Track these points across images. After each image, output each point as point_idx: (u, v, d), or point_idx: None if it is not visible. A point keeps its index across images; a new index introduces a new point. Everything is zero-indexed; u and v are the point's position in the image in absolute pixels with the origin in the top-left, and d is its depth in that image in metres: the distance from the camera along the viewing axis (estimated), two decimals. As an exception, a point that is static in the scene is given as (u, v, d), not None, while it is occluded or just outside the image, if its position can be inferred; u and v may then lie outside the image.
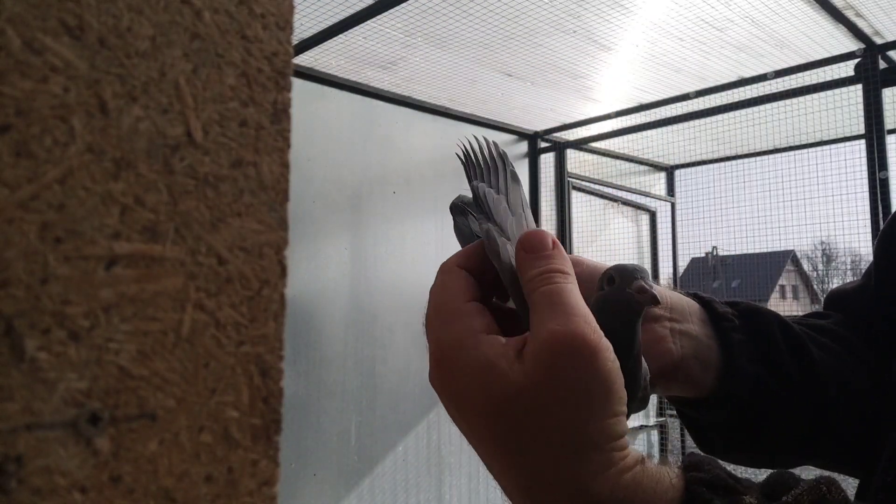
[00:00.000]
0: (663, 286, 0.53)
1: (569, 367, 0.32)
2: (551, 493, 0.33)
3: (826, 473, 0.37)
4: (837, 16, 1.98)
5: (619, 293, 0.39)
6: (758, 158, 3.28)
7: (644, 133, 3.02)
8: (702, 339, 0.49)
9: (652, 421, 3.50)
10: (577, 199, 3.26)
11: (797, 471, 0.39)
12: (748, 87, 2.49)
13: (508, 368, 0.33)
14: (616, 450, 0.34)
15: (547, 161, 3.18)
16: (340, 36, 2.01)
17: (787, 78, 2.39)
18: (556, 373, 0.32)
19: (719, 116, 2.68)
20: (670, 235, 3.60)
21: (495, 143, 0.48)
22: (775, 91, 2.45)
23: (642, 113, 2.81)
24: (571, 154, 3.21)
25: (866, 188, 2.15)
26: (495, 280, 0.39)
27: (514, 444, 0.34)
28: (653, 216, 3.60)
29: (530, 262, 0.37)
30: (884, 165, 2.12)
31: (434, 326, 0.37)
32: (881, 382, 0.52)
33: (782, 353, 0.50)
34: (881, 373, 0.52)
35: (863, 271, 0.62)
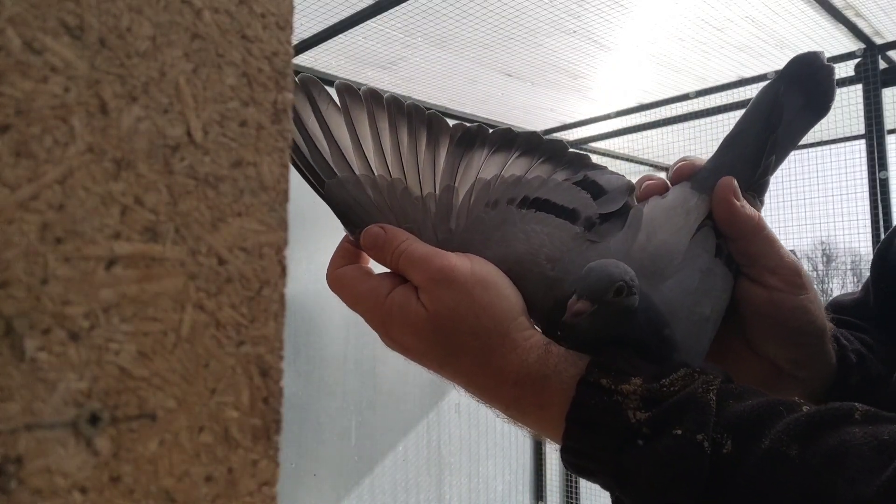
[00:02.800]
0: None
1: (445, 293, 0.43)
2: (482, 376, 0.43)
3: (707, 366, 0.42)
4: (837, 16, 1.97)
5: (564, 299, 0.42)
6: (758, 158, 3.28)
7: (644, 133, 3.02)
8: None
9: None
10: (577, 199, 3.26)
11: None
12: (748, 87, 2.49)
13: (415, 309, 0.44)
14: (516, 332, 0.43)
15: (547, 161, 3.18)
16: (340, 36, 2.01)
17: (787, 78, 2.39)
18: (441, 300, 0.43)
19: (719, 116, 2.67)
20: (670, 235, 3.59)
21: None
22: (775, 91, 2.45)
23: (642, 113, 2.81)
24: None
25: (866, 188, 2.15)
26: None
27: (443, 353, 0.44)
28: (653, 216, 3.59)
29: (379, 255, 0.46)
30: (884, 165, 2.12)
31: (362, 313, 0.47)
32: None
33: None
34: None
35: (862, 272, 0.63)
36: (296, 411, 2.14)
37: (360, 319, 0.48)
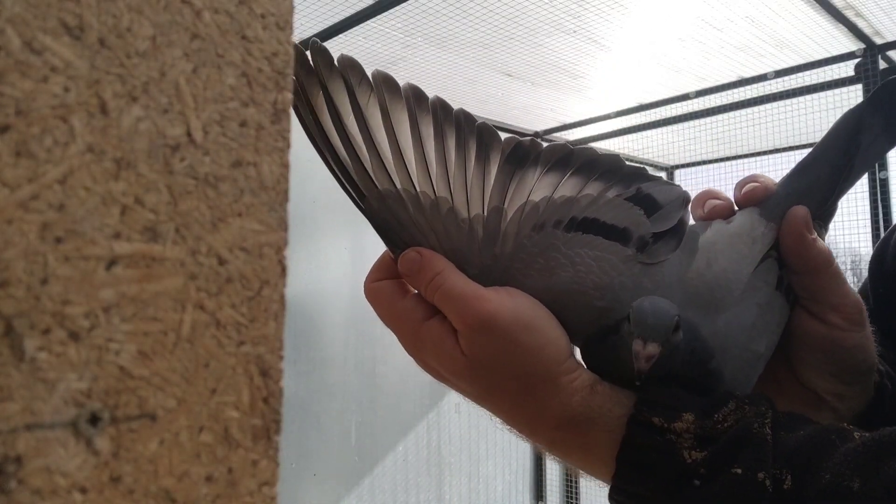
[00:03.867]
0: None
1: (485, 340, 0.40)
2: (522, 416, 0.42)
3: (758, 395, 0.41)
4: (837, 16, 1.97)
5: (622, 340, 0.40)
6: (758, 158, 3.28)
7: (644, 133, 3.02)
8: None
9: None
10: (577, 199, 3.26)
11: None
12: (748, 87, 2.49)
13: (452, 348, 0.42)
14: (561, 376, 0.41)
15: (547, 161, 3.18)
16: (340, 36, 2.01)
17: (787, 78, 2.39)
18: (481, 347, 0.41)
19: (719, 116, 2.67)
20: (670, 235, 3.59)
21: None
22: (775, 91, 2.45)
23: (642, 113, 2.81)
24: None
25: (866, 188, 2.15)
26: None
27: (482, 392, 0.42)
28: (653, 216, 3.60)
29: (414, 284, 0.44)
30: (884, 165, 2.12)
31: (394, 331, 0.46)
32: None
33: None
34: None
35: (862, 272, 0.63)
36: (296, 411, 2.14)
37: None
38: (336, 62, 0.42)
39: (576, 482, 2.97)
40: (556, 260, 0.42)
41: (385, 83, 0.43)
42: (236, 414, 0.21)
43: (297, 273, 2.15)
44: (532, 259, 0.43)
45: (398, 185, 0.42)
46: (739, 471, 0.36)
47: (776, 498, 0.35)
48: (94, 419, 0.18)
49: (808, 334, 0.46)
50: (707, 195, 0.52)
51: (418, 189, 0.42)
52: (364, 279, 0.47)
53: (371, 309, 0.48)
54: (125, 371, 0.19)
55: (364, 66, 0.44)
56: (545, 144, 0.45)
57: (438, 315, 0.43)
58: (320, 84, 0.41)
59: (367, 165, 0.41)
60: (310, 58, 0.41)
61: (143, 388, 0.19)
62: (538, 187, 0.44)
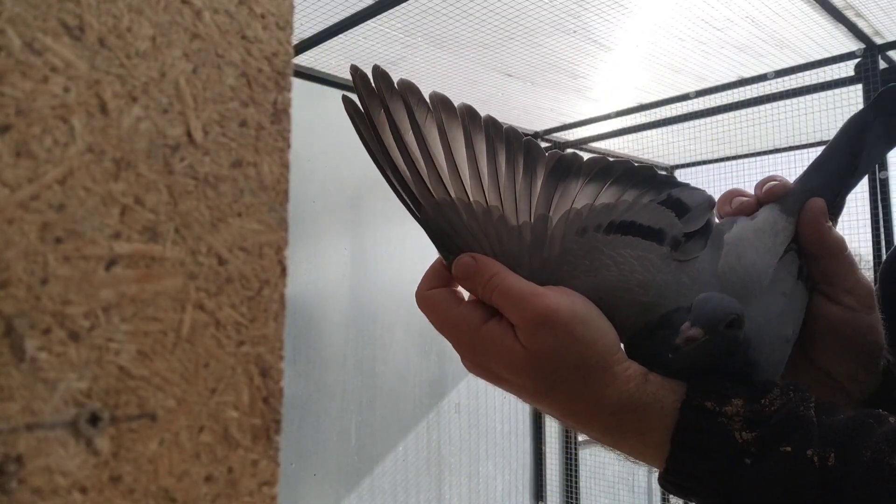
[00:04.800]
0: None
1: (546, 333, 0.42)
2: (580, 405, 0.43)
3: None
4: (837, 16, 1.97)
5: (674, 333, 0.43)
6: (758, 158, 3.28)
7: (644, 133, 3.02)
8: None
9: None
10: (577, 199, 3.25)
11: None
12: (748, 87, 2.49)
13: (512, 345, 0.43)
14: (616, 366, 0.43)
15: (547, 161, 3.18)
16: (340, 36, 2.01)
17: (787, 78, 2.39)
18: (542, 340, 0.43)
19: (719, 116, 2.67)
20: (670, 235, 3.60)
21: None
22: (775, 91, 2.45)
23: (642, 113, 2.81)
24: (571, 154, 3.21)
25: (866, 188, 2.15)
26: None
27: (541, 387, 0.44)
28: (653, 216, 3.60)
29: (470, 286, 0.46)
30: (884, 165, 2.11)
31: (450, 338, 0.47)
32: None
33: None
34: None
35: (862, 272, 0.64)
36: (296, 411, 2.14)
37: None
38: (396, 85, 0.46)
39: (576, 482, 2.97)
40: (601, 260, 0.46)
41: (442, 104, 0.46)
42: (236, 414, 0.21)
43: (297, 273, 2.15)
44: (578, 261, 0.46)
45: (452, 195, 0.45)
46: (789, 448, 0.38)
47: (822, 474, 0.38)
48: (94, 419, 0.18)
49: (826, 317, 0.50)
50: (734, 193, 0.56)
51: (471, 198, 0.45)
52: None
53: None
54: (125, 371, 0.19)
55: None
56: (586, 157, 0.49)
57: (495, 317, 0.45)
58: (382, 104, 0.46)
59: (425, 177, 0.45)
60: (372, 81, 0.46)
61: (143, 388, 0.19)
62: (580, 196, 0.47)
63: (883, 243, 2.06)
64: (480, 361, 0.46)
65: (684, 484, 0.41)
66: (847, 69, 2.25)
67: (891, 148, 0.54)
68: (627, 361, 0.44)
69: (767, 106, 2.55)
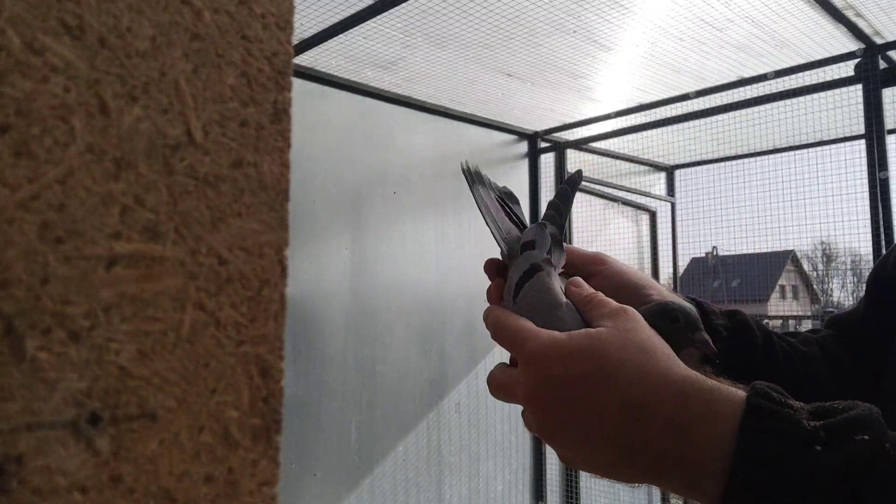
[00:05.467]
0: (664, 285, 0.62)
1: (614, 319, 0.48)
2: (646, 383, 0.44)
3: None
4: (837, 16, 1.98)
5: (681, 336, 0.49)
6: (758, 158, 3.28)
7: (644, 133, 3.02)
8: None
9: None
10: (577, 199, 3.25)
11: None
12: (748, 87, 2.49)
13: (579, 333, 0.48)
14: (672, 354, 0.45)
15: (547, 161, 3.18)
16: (340, 36, 2.01)
17: (787, 78, 2.39)
18: (612, 323, 0.48)
19: (719, 116, 2.68)
20: (670, 235, 3.60)
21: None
22: (775, 91, 2.45)
23: (642, 113, 2.81)
24: (571, 154, 3.21)
25: (866, 188, 2.15)
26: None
27: (614, 367, 0.45)
28: (653, 216, 3.60)
29: (577, 299, 0.52)
30: (884, 165, 2.12)
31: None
32: (846, 377, 0.61)
33: (759, 364, 0.61)
34: (859, 373, 0.61)
35: (862, 272, 0.66)
36: (296, 411, 2.14)
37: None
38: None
39: (576, 482, 2.98)
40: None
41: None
42: (236, 414, 0.21)
43: (297, 273, 2.16)
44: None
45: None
46: (867, 437, 0.38)
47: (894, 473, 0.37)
48: (94, 419, 0.18)
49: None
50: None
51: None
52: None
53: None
54: (125, 371, 0.19)
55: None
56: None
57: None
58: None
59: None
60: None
61: (143, 387, 0.19)
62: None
63: (883, 243, 2.06)
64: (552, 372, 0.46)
65: (755, 472, 0.40)
66: (847, 69, 2.25)
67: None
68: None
69: (767, 106, 2.55)
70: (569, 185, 0.59)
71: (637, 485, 0.46)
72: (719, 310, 0.62)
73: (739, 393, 0.42)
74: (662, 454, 0.42)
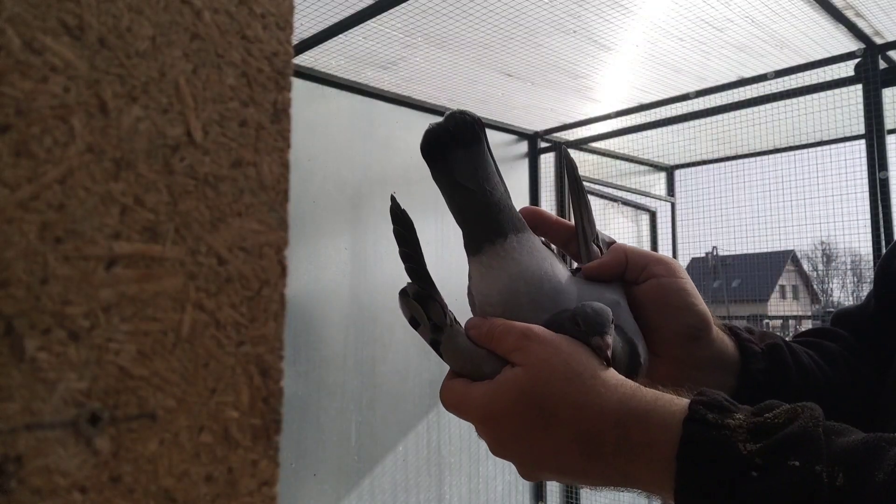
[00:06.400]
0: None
1: (536, 347, 0.47)
2: (587, 425, 0.44)
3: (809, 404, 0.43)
4: (837, 16, 1.97)
5: (583, 340, 0.48)
6: (758, 158, 3.28)
7: (644, 133, 3.02)
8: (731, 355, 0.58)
9: None
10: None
11: None
12: (748, 87, 2.49)
13: (508, 374, 0.47)
14: (603, 372, 0.45)
15: (547, 161, 3.18)
16: (340, 36, 2.01)
17: (787, 78, 2.39)
18: (534, 353, 0.46)
19: (719, 116, 2.67)
20: (670, 235, 3.60)
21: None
22: (775, 91, 2.45)
23: (642, 113, 2.81)
24: (571, 154, 3.22)
25: (866, 188, 2.15)
26: None
27: (543, 416, 0.45)
28: (653, 216, 3.60)
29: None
30: (884, 165, 2.11)
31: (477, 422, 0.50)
32: (866, 386, 0.59)
33: (792, 373, 0.59)
34: (875, 376, 0.59)
35: (862, 272, 0.66)
36: (296, 411, 2.14)
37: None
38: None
39: (576, 482, 2.97)
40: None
41: None
42: (236, 414, 0.21)
43: (297, 273, 2.15)
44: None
45: None
46: (797, 463, 0.38)
47: (831, 493, 0.37)
48: (94, 419, 0.18)
49: (640, 289, 0.56)
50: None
51: None
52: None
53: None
54: (125, 371, 0.19)
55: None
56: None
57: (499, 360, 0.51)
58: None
59: None
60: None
61: (143, 388, 0.19)
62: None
63: (883, 243, 2.06)
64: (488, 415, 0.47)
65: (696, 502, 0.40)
66: (847, 69, 2.25)
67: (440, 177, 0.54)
68: (612, 370, 0.46)
69: (767, 106, 2.55)
70: (396, 223, 0.53)
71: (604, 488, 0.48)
72: (760, 346, 0.59)
73: (677, 415, 0.42)
74: (619, 474, 0.44)
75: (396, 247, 0.54)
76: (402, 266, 0.54)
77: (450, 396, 0.50)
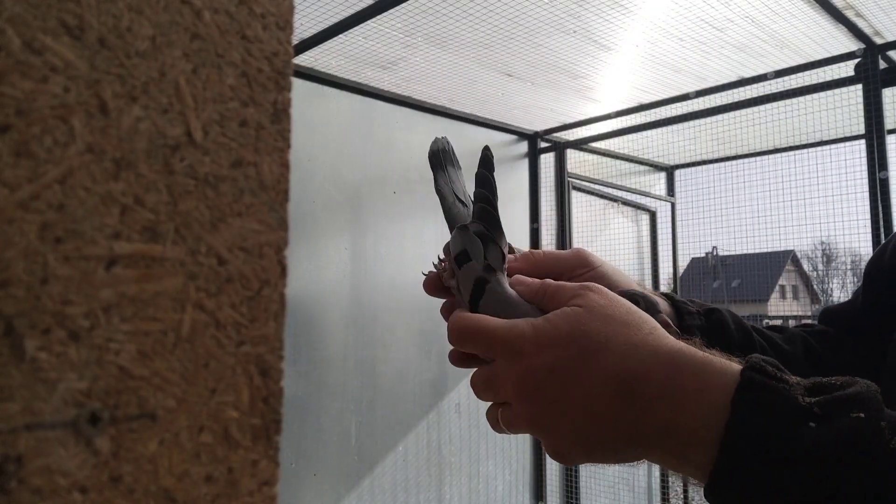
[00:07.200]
0: (648, 289, 0.61)
1: (591, 294, 0.48)
2: (634, 358, 0.43)
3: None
4: (837, 16, 1.98)
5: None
6: (758, 158, 3.28)
7: (644, 133, 3.02)
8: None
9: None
10: (577, 199, 3.26)
11: None
12: (748, 87, 2.49)
13: (564, 310, 0.48)
14: (659, 324, 0.45)
15: (547, 161, 3.18)
16: (340, 36, 2.01)
17: (787, 78, 2.39)
18: (587, 300, 0.47)
19: (719, 116, 2.67)
20: (670, 235, 3.60)
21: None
22: (775, 91, 2.45)
23: (642, 113, 2.81)
24: (571, 154, 3.21)
25: (866, 188, 2.15)
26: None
27: (595, 346, 0.44)
28: (653, 216, 3.60)
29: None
30: (884, 165, 2.12)
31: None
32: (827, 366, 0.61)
33: (732, 339, 0.61)
34: (849, 363, 0.60)
35: (862, 272, 0.66)
36: (296, 411, 2.14)
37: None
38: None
39: (576, 482, 2.97)
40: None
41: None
42: (236, 414, 0.21)
43: (297, 273, 2.15)
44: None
45: None
46: (862, 415, 0.37)
47: (889, 452, 0.36)
48: (94, 419, 0.18)
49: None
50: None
51: None
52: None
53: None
54: (125, 371, 0.19)
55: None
56: None
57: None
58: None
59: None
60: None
61: (143, 388, 0.19)
62: None
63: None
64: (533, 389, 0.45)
65: (746, 447, 0.38)
66: (847, 69, 2.25)
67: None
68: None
69: (767, 106, 2.55)
70: (484, 167, 0.54)
71: (635, 463, 0.45)
72: (697, 309, 0.61)
73: (734, 366, 0.41)
74: (656, 423, 0.41)
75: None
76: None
77: (484, 324, 0.47)
